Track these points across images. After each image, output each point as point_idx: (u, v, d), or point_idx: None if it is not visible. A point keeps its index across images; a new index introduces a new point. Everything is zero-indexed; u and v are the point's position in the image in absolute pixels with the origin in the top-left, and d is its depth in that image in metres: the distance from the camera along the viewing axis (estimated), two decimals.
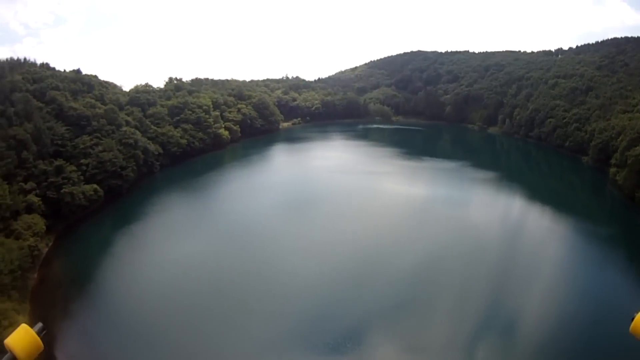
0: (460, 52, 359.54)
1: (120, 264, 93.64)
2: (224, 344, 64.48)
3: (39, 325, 7.77)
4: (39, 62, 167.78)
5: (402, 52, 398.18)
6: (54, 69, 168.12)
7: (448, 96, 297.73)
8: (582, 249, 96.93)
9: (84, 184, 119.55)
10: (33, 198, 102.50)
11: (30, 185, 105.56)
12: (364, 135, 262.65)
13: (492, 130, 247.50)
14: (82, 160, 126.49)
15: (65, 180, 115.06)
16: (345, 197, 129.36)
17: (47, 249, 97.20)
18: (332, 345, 62.67)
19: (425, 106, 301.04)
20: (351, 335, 64.87)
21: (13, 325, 60.17)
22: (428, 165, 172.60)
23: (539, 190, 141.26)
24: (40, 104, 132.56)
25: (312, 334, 65.51)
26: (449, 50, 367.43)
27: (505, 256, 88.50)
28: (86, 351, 67.13)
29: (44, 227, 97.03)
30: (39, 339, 7.56)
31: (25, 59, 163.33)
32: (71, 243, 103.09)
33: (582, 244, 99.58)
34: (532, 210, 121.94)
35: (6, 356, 7.09)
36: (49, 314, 74.55)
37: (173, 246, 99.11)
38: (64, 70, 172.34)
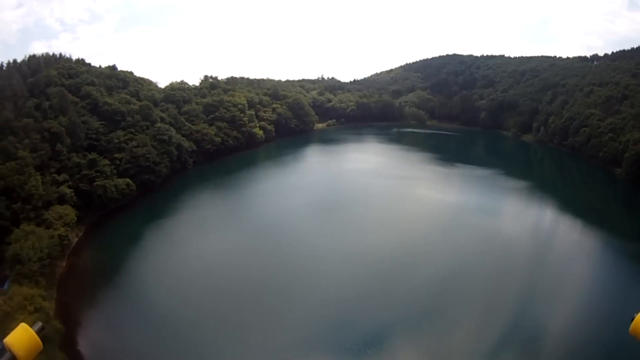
0: (495, 56, 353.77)
1: (149, 258, 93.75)
2: (244, 342, 63.63)
3: (39, 324, 7.61)
4: (74, 57, 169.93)
5: (437, 55, 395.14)
6: (89, 64, 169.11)
7: (483, 101, 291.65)
8: (611, 266, 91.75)
9: (116, 178, 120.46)
10: (65, 189, 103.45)
11: (63, 177, 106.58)
12: (399, 139, 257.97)
13: (527, 137, 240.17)
14: (116, 155, 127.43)
15: (98, 174, 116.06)
16: (377, 201, 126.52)
17: (77, 239, 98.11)
18: (352, 350, 61.26)
19: (460, 111, 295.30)
20: (372, 341, 63.23)
21: (39, 312, 60.68)
22: (461, 172, 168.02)
23: (570, 203, 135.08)
24: (76, 99, 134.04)
25: (332, 337, 64.28)
26: (485, 54, 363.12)
27: (532, 269, 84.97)
28: (108, 339, 67.15)
29: (75, 217, 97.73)
30: (38, 338, 7.35)
31: (60, 54, 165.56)
32: (101, 234, 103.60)
33: (611, 260, 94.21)
34: (562, 223, 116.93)
35: (5, 356, 6.92)
36: (74, 302, 75.42)
37: (202, 243, 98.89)
38: (100, 66, 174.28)
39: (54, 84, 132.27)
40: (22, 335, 7.21)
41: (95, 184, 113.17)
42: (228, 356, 62.33)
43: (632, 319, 7.32)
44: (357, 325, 66.36)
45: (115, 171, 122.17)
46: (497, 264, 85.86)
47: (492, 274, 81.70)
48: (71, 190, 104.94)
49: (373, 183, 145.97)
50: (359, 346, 61.94)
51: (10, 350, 6.98)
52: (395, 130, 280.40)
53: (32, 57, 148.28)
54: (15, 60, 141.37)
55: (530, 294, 75.07)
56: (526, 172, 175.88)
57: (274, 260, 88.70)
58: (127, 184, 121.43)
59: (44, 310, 60.77)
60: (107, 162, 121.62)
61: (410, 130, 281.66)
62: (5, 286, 71.26)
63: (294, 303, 72.83)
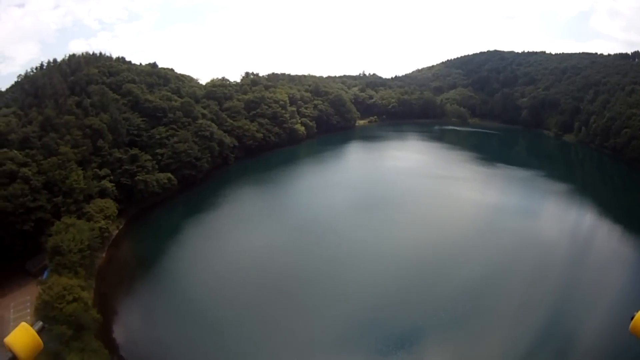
0: (537, 52, 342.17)
1: (187, 251, 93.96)
2: (276, 337, 63.78)
3: (39, 323, 8.05)
4: (114, 55, 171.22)
5: (478, 51, 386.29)
6: (129, 62, 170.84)
7: (525, 99, 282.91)
8: None
9: (158, 173, 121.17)
10: (107, 184, 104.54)
11: (104, 171, 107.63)
12: (440, 137, 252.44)
13: (568, 137, 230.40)
14: (158, 150, 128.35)
15: (140, 168, 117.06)
16: (416, 201, 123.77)
17: (117, 231, 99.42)
18: (382, 351, 60.05)
19: (502, 109, 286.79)
20: (402, 343, 61.73)
21: (77, 301, 60.20)
22: (501, 172, 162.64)
23: (609, 207, 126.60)
24: (117, 96, 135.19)
25: (363, 337, 63.43)
26: (526, 51, 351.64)
27: (568, 275, 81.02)
28: (143, 329, 68.15)
29: (116, 211, 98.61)
30: (38, 337, 7.71)
31: (100, 53, 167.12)
32: (141, 227, 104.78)
33: None
34: (601, 228, 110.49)
35: (6, 356, 7.27)
36: (112, 292, 76.27)
37: (241, 237, 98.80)
38: (140, 64, 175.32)
39: (94, 82, 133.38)
40: (22, 335, 7.57)
41: (136, 178, 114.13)
42: (260, 350, 61.41)
43: (632, 318, 7.63)
44: (388, 325, 65.28)
45: (156, 166, 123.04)
46: (532, 270, 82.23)
47: (526, 280, 78.45)
48: (112, 184, 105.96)
49: (413, 182, 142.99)
50: (389, 347, 60.65)
51: (10, 350, 7.36)
52: (436, 127, 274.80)
53: (72, 56, 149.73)
54: (55, 60, 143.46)
55: (566, 303, 71.29)
56: (567, 175, 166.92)
57: (311, 257, 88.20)
58: (169, 179, 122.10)
59: (82, 300, 60.27)
60: (148, 157, 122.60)
61: (451, 128, 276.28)
62: (45, 275, 71.77)
63: (328, 300, 72.12)
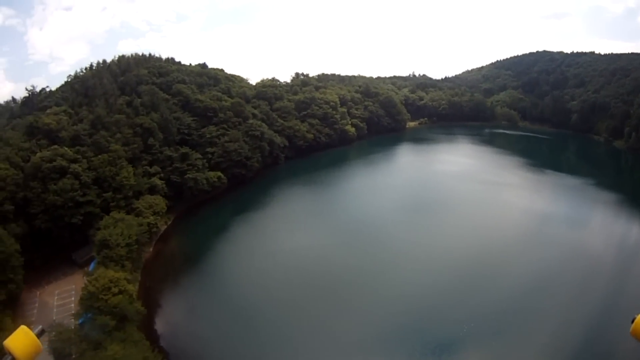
0: (586, 53, 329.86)
1: (233, 249, 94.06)
2: (318, 337, 63.49)
3: (39, 327, 8.13)
4: (163, 56, 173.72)
5: (527, 51, 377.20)
6: (179, 63, 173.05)
7: (575, 102, 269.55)
8: None
9: (208, 171, 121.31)
10: (157, 181, 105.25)
11: (155, 169, 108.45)
12: (490, 141, 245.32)
13: (618, 143, 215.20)
14: (208, 149, 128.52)
15: (190, 167, 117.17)
16: (464, 206, 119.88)
17: (165, 227, 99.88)
18: (421, 355, 59.27)
19: (552, 113, 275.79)
20: (441, 350, 60.11)
21: (123, 294, 59.26)
22: (550, 179, 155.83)
23: None
24: (167, 96, 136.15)
25: (402, 341, 62.08)
26: (575, 51, 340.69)
27: (615, 289, 75.93)
28: (186, 323, 68.16)
29: (165, 207, 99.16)
30: (38, 340, 7.71)
31: (150, 54, 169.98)
32: (189, 224, 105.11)
33: None
34: None
35: (5, 358, 7.23)
36: (157, 286, 76.65)
37: (287, 237, 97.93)
38: (190, 64, 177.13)
39: (144, 82, 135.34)
40: (22, 338, 7.52)
41: (186, 176, 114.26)
42: (301, 348, 60.77)
43: (633, 320, 7.40)
44: (428, 332, 63.90)
45: (207, 164, 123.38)
46: (578, 281, 77.69)
47: (570, 294, 73.90)
48: (162, 181, 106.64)
49: (461, 187, 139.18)
50: (427, 355, 59.58)
51: (9, 353, 7.33)
52: (487, 130, 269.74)
53: (122, 57, 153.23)
54: (104, 60, 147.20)
55: (612, 318, 65.60)
56: (616, 183, 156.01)
57: (356, 258, 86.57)
58: (219, 177, 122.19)
59: (127, 293, 60.01)
60: (199, 156, 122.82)
61: (501, 131, 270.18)
62: (91, 267, 72.00)
63: (371, 301, 71.44)
